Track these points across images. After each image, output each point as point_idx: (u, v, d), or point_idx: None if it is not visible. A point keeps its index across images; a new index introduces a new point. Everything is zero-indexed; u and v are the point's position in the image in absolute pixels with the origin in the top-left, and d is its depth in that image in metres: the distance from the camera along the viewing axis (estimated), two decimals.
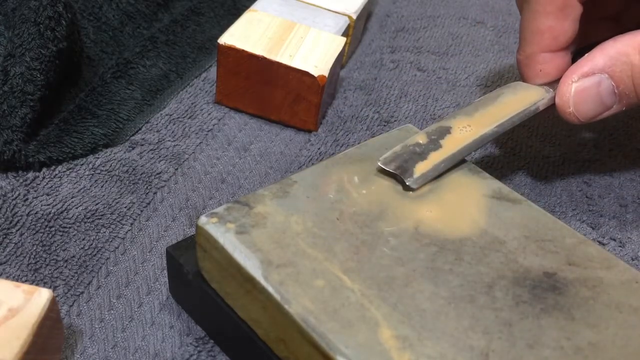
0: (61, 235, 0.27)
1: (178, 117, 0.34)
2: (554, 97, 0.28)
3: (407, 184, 0.24)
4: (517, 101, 0.28)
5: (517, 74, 0.41)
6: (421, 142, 0.26)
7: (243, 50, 0.33)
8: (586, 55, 0.27)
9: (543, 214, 0.24)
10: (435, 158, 0.25)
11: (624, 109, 0.27)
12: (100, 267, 0.27)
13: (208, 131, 0.34)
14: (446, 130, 0.26)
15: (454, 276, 0.21)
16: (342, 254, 0.21)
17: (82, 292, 0.26)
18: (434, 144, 0.26)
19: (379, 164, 0.25)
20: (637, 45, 0.26)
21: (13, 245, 0.27)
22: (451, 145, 0.26)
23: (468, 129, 0.26)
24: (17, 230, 0.27)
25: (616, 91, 0.27)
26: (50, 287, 0.26)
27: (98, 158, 0.31)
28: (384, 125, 0.36)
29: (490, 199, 0.25)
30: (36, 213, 0.28)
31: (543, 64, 0.29)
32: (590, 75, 0.27)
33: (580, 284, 0.22)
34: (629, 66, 0.26)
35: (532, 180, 0.33)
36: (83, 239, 0.27)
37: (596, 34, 0.32)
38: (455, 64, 0.41)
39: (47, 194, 0.29)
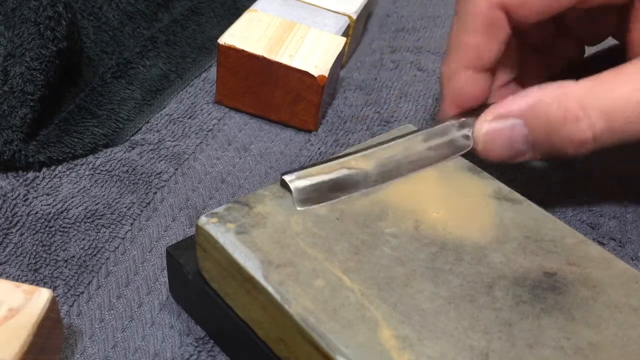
0: (61, 235, 0.27)
1: (178, 117, 0.34)
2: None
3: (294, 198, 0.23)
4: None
5: None
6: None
7: (243, 50, 0.33)
8: (508, 97, 0.26)
9: (543, 214, 0.24)
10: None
11: (539, 157, 0.26)
12: (100, 267, 0.27)
13: (208, 131, 0.34)
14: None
15: (454, 276, 0.21)
16: (342, 254, 0.21)
17: (82, 292, 0.26)
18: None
19: (284, 177, 0.23)
20: (557, 97, 0.25)
21: (13, 245, 0.27)
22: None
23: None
24: (17, 230, 0.27)
25: (529, 139, 0.26)
26: (50, 287, 0.26)
27: (98, 158, 0.31)
28: (384, 125, 0.36)
29: (490, 199, 0.25)
30: (36, 213, 0.28)
31: (465, 83, 0.28)
32: (505, 118, 0.26)
33: (580, 284, 0.22)
34: (545, 117, 0.25)
35: (532, 180, 0.33)
36: (83, 239, 0.27)
37: (525, 66, 0.32)
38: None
39: (47, 194, 0.29)
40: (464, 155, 0.27)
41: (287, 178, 0.23)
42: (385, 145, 0.25)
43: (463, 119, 0.27)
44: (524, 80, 0.31)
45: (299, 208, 0.22)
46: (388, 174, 0.25)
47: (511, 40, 0.29)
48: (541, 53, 0.33)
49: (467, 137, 0.27)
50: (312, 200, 0.23)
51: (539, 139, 0.25)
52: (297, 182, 0.23)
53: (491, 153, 0.27)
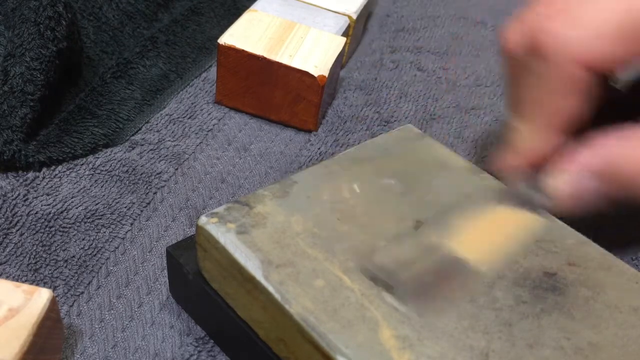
0: (61, 235, 0.27)
1: (178, 117, 0.34)
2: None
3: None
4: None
5: None
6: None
7: (243, 50, 0.33)
8: (577, 150, 0.25)
9: (543, 214, 0.24)
10: None
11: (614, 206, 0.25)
12: (100, 267, 0.27)
13: (208, 131, 0.34)
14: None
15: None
16: (342, 254, 0.21)
17: (82, 292, 0.26)
18: None
19: None
20: (632, 152, 0.24)
21: (13, 245, 0.27)
22: None
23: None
24: (17, 230, 0.27)
25: (602, 193, 0.24)
26: (50, 287, 0.26)
27: (98, 158, 0.31)
28: (384, 125, 0.36)
29: (490, 199, 0.25)
30: (36, 213, 0.28)
31: (541, 144, 0.26)
32: (579, 171, 0.24)
33: (580, 284, 0.22)
34: (617, 174, 0.24)
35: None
36: (83, 239, 0.27)
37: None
38: (455, 64, 0.41)
39: (47, 194, 0.29)
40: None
41: None
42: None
43: (527, 178, 0.26)
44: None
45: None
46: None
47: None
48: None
49: (540, 194, 0.25)
50: None
51: (612, 192, 0.24)
52: None
53: (564, 204, 0.25)
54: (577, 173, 0.25)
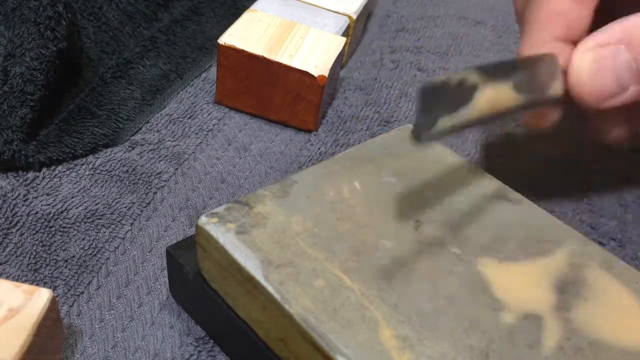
0: (61, 235, 0.27)
1: (178, 117, 0.34)
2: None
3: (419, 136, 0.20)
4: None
5: None
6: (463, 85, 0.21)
7: (243, 50, 0.33)
8: (602, 27, 0.24)
9: (543, 214, 0.24)
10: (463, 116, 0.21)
11: None
12: (100, 267, 0.27)
13: (208, 131, 0.34)
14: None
15: (454, 276, 0.21)
16: (342, 254, 0.21)
17: (82, 292, 0.26)
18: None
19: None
20: None
21: (13, 245, 0.27)
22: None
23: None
24: (17, 230, 0.27)
25: (634, 66, 0.23)
26: (50, 287, 0.26)
27: (98, 158, 0.31)
28: (384, 125, 0.36)
29: (490, 199, 0.25)
30: (36, 213, 0.28)
31: (549, 49, 0.25)
32: (606, 45, 0.23)
33: (580, 284, 0.22)
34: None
35: (532, 180, 0.33)
36: (83, 239, 0.27)
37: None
38: (455, 64, 0.41)
39: (47, 194, 0.29)
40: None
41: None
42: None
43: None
44: None
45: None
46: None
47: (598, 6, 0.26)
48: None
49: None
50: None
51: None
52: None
53: (597, 87, 0.24)
54: (603, 45, 0.24)
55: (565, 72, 0.25)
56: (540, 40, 0.25)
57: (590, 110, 0.25)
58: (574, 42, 0.25)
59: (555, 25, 0.25)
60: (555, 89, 0.25)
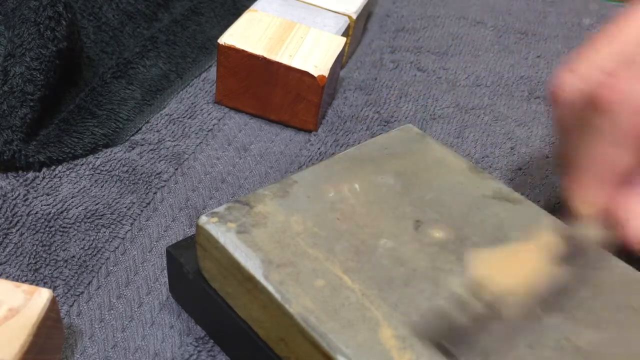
0: (61, 235, 0.27)
1: (178, 117, 0.34)
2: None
3: None
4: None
5: (517, 74, 0.41)
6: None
7: (243, 50, 0.33)
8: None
9: (543, 214, 0.24)
10: None
11: None
12: (100, 267, 0.27)
13: (208, 131, 0.34)
14: None
15: (454, 276, 0.21)
16: (342, 253, 0.21)
17: (82, 292, 0.26)
18: None
19: None
20: None
21: (13, 245, 0.27)
22: None
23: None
24: (17, 230, 0.27)
25: None
26: (50, 287, 0.26)
27: (98, 158, 0.31)
28: (384, 125, 0.36)
29: (490, 199, 0.25)
30: (36, 213, 0.28)
31: (603, 198, 0.25)
32: None
33: (580, 284, 0.22)
34: None
35: (532, 180, 0.33)
36: (83, 239, 0.27)
37: None
38: (455, 64, 0.41)
39: (47, 194, 0.29)
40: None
41: None
42: None
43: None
44: None
45: None
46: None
47: None
48: None
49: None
50: None
51: None
52: None
53: None
54: None
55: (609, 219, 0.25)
56: (589, 186, 0.25)
57: None
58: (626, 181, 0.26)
59: (602, 172, 0.25)
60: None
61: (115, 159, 0.31)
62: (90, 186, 0.30)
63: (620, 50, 0.24)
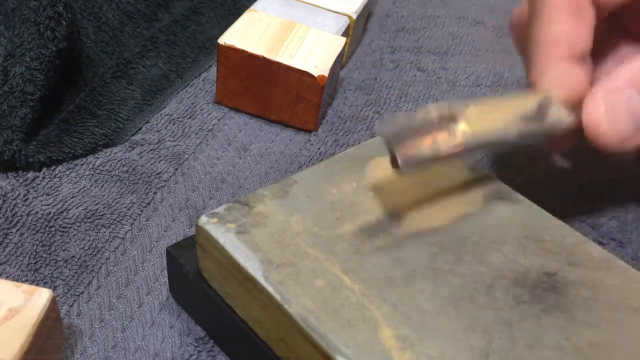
0: (61, 235, 0.27)
1: (178, 117, 0.34)
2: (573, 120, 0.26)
3: (399, 164, 0.21)
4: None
5: (517, 75, 0.41)
6: (432, 118, 0.22)
7: (243, 50, 0.33)
8: (611, 73, 0.25)
9: (543, 214, 0.24)
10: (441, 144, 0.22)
11: None
12: (100, 267, 0.27)
13: (208, 131, 0.34)
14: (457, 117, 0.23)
15: (454, 276, 0.21)
16: (342, 253, 0.21)
17: (82, 292, 0.26)
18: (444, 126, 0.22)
19: (380, 133, 0.21)
20: None
21: (13, 245, 0.27)
22: (460, 135, 0.22)
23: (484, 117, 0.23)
24: (17, 230, 0.27)
25: None
26: (50, 287, 0.26)
27: (98, 158, 0.31)
28: None
29: (490, 199, 0.25)
30: (36, 213, 0.28)
31: (561, 74, 0.26)
32: (617, 92, 0.24)
33: (580, 284, 0.22)
34: None
35: (532, 180, 0.33)
36: (83, 239, 0.27)
37: (618, 54, 0.30)
38: (455, 64, 0.41)
39: (47, 194, 0.29)
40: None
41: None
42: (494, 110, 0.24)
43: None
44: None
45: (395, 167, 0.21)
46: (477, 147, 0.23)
47: (604, 30, 0.27)
48: (625, 34, 0.31)
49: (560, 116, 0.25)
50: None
51: None
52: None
53: (615, 132, 0.25)
54: (613, 91, 0.24)
55: (569, 101, 0.26)
56: (548, 64, 0.26)
57: (609, 151, 0.25)
58: (582, 60, 0.26)
59: (558, 47, 0.26)
60: (560, 120, 0.25)
61: (115, 159, 0.31)
62: (90, 186, 0.30)
63: None
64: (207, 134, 0.34)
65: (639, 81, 0.24)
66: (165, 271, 0.26)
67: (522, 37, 0.28)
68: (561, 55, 0.26)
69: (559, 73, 0.26)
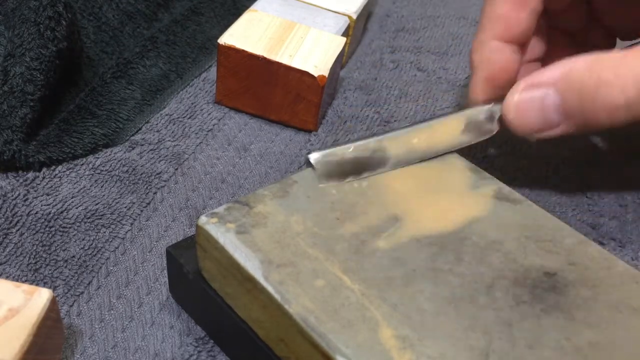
0: (61, 235, 0.27)
1: (178, 117, 0.34)
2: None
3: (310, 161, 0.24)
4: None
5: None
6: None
7: (243, 50, 0.33)
8: (539, 69, 0.26)
9: (543, 214, 0.24)
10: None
11: (572, 131, 0.26)
12: (100, 267, 0.27)
13: (208, 131, 0.34)
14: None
15: (454, 276, 0.21)
16: (342, 253, 0.21)
17: (82, 292, 0.26)
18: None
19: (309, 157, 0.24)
20: (590, 65, 0.24)
21: (13, 245, 0.27)
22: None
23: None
24: (17, 230, 0.27)
25: (562, 108, 0.25)
26: (50, 287, 0.26)
27: (98, 158, 0.31)
28: (384, 125, 0.36)
29: (490, 199, 0.25)
30: (36, 213, 0.28)
31: (492, 52, 0.28)
32: (536, 87, 0.26)
33: (580, 284, 0.22)
34: (578, 83, 0.24)
35: (532, 180, 0.33)
36: (83, 239, 0.27)
37: (557, 50, 0.32)
38: (455, 64, 0.41)
39: (47, 194, 0.29)
40: (475, 148, 0.27)
41: (311, 156, 0.24)
42: (417, 126, 0.26)
43: (492, 103, 0.27)
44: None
45: (320, 185, 0.23)
46: (407, 159, 0.25)
47: (542, 21, 0.29)
48: (572, 40, 0.32)
49: (492, 120, 0.27)
50: (333, 176, 0.24)
51: (572, 106, 0.25)
52: (320, 157, 0.24)
53: (522, 123, 0.26)
54: (534, 86, 0.26)
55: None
56: (482, 40, 0.28)
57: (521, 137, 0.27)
58: (516, 43, 0.28)
59: (496, 27, 0.28)
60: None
61: (115, 159, 0.31)
62: (90, 186, 0.30)
63: None
64: (207, 134, 0.34)
65: (562, 82, 0.25)
66: (165, 271, 0.26)
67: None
68: (495, 35, 0.28)
69: (489, 51, 0.28)
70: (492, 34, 0.28)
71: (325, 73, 0.32)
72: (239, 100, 0.35)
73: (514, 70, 0.29)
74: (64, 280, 0.26)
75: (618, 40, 0.34)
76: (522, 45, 0.29)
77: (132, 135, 0.33)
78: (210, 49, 0.39)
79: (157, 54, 0.37)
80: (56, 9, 0.31)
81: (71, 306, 0.25)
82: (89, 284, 0.26)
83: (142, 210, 0.29)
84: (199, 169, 0.32)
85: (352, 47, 0.41)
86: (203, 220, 0.22)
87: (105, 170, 0.30)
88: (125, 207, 0.29)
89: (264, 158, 0.33)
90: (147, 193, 0.30)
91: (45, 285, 0.26)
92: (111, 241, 0.28)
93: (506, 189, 0.25)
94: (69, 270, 0.26)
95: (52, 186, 0.29)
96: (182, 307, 0.25)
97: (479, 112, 0.27)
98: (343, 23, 0.37)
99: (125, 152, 0.32)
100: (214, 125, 0.34)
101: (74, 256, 0.27)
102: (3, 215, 0.28)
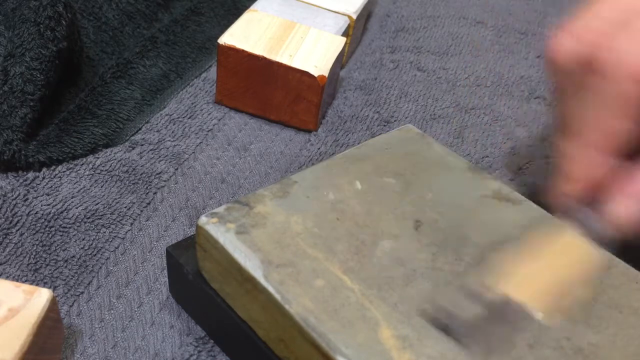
0: (61, 235, 0.27)
1: (178, 117, 0.34)
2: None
3: None
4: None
5: (517, 75, 0.41)
6: None
7: (243, 50, 0.33)
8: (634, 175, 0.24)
9: (543, 214, 0.24)
10: None
11: None
12: (100, 267, 0.27)
13: (208, 131, 0.34)
14: None
15: (455, 276, 0.21)
16: (342, 254, 0.21)
17: (82, 292, 0.26)
18: None
19: None
20: None
21: (13, 245, 0.27)
22: None
23: None
24: (17, 230, 0.27)
25: None
26: (50, 287, 0.26)
27: (98, 158, 0.31)
28: (384, 125, 0.36)
29: (490, 199, 0.25)
30: (36, 213, 0.28)
31: (593, 165, 0.25)
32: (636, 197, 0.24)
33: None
34: None
35: (532, 180, 0.33)
36: (83, 239, 0.27)
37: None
38: (455, 64, 0.41)
39: (47, 194, 0.29)
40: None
41: None
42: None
43: (580, 207, 0.25)
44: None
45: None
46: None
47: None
48: None
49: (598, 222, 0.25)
50: None
51: None
52: None
53: (631, 228, 0.24)
54: (634, 196, 0.24)
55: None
56: (584, 149, 0.25)
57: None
58: (612, 154, 0.25)
59: (598, 138, 0.25)
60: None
61: (115, 159, 0.31)
62: (90, 186, 0.30)
63: (615, 12, 0.24)
64: (207, 134, 0.34)
65: None
66: (165, 271, 0.26)
67: (566, 90, 0.26)
68: (599, 147, 0.25)
69: (590, 163, 0.25)
70: (594, 144, 0.24)
71: (325, 73, 0.32)
72: (239, 100, 0.35)
73: (604, 177, 0.26)
74: (64, 280, 0.26)
75: None
76: (617, 153, 0.25)
77: (132, 135, 0.33)
78: (210, 49, 0.39)
79: (157, 54, 0.37)
80: (56, 9, 0.31)
81: (71, 306, 0.25)
82: (89, 284, 0.26)
83: (142, 210, 0.29)
84: (199, 169, 0.32)
85: (352, 47, 0.41)
86: (203, 220, 0.22)
87: (105, 170, 0.30)
88: (125, 207, 0.29)
89: (264, 158, 0.33)
90: (147, 193, 0.30)
91: (45, 285, 0.26)
92: (111, 241, 0.28)
93: (506, 189, 0.25)
94: (69, 270, 0.26)
95: (52, 186, 0.29)
96: (182, 307, 0.25)
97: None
98: (343, 23, 0.37)
99: (125, 152, 0.32)
100: (214, 125, 0.34)
101: (74, 256, 0.27)
102: (3, 215, 0.28)
